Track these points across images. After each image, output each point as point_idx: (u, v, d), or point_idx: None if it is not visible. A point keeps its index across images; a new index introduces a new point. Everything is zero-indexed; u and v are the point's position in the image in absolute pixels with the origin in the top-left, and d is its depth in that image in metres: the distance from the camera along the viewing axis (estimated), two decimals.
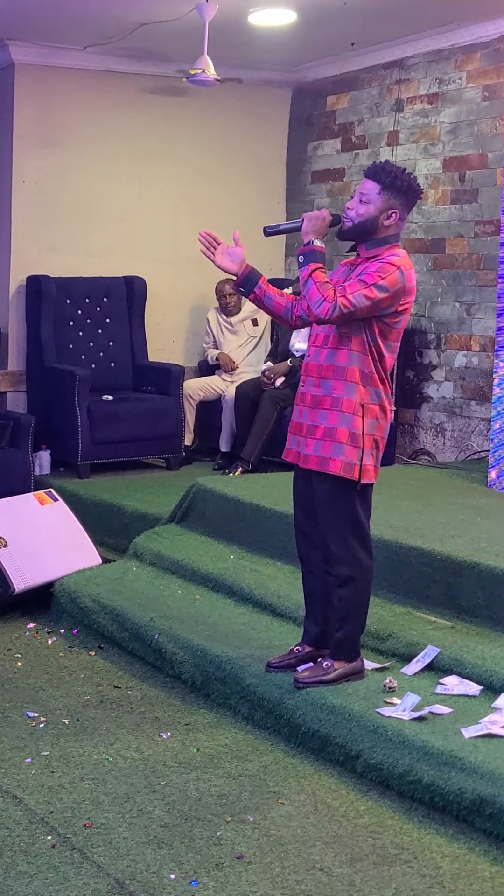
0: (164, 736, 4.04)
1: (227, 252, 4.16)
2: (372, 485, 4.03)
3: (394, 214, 3.93)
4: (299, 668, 4.16)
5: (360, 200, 3.93)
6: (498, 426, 6.20)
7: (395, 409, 7.67)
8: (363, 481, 3.94)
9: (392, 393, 4.06)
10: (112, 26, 7.24)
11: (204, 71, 6.96)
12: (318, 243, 3.94)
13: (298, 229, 4.03)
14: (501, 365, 6.16)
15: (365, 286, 3.82)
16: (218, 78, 7.05)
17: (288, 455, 4.12)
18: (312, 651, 4.21)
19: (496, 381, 6.20)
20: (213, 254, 4.14)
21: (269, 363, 7.67)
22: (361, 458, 3.91)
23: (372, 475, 3.97)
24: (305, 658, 4.21)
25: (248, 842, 3.30)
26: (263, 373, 7.60)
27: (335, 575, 4.03)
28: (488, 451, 6.64)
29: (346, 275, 3.97)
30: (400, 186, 3.92)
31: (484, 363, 7.35)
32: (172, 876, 3.09)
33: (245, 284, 4.15)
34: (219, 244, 4.15)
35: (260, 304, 4.17)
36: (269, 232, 4.19)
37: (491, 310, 7.16)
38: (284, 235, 8.88)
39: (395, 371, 7.61)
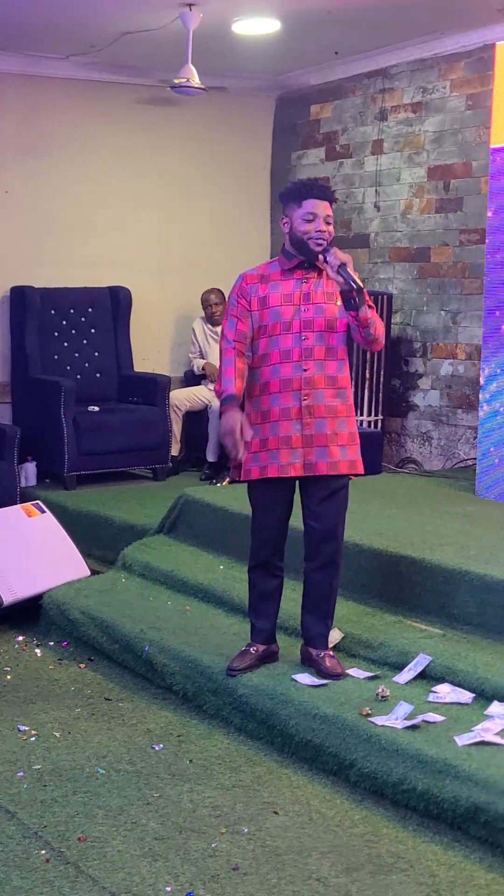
0: (157, 748, 4.01)
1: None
2: None
3: None
4: (327, 664, 4.22)
5: (327, 223, 4.10)
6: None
7: (381, 417, 7.75)
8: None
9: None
10: (95, 36, 7.24)
11: (188, 80, 6.97)
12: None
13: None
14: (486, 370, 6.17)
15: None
16: (202, 87, 7.05)
17: (293, 469, 4.16)
18: (266, 648, 4.34)
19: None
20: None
21: None
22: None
23: None
24: (263, 656, 4.32)
25: (244, 853, 3.28)
26: None
27: (338, 561, 4.26)
28: (475, 458, 6.64)
29: (297, 287, 4.14)
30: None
31: (470, 371, 7.36)
32: (168, 888, 3.07)
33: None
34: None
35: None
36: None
37: (476, 318, 7.17)
38: (269, 243, 8.95)
39: (380, 380, 7.68)
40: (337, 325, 4.14)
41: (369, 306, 4.06)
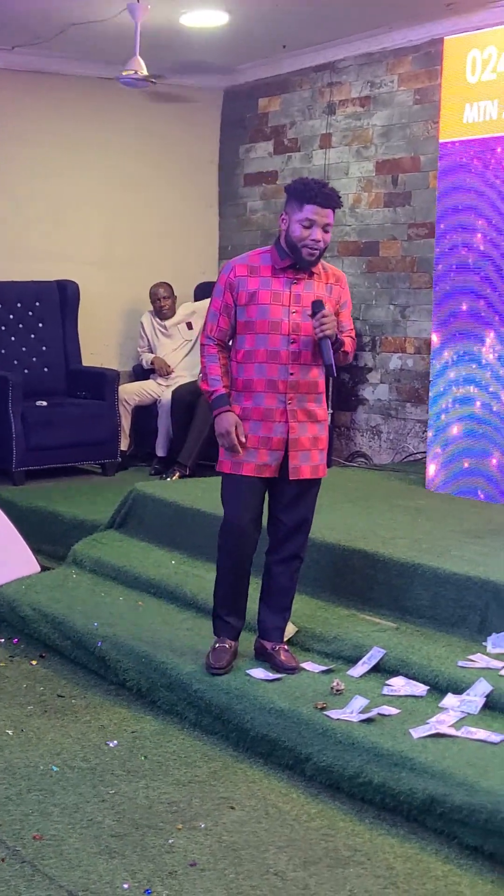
0: (111, 744, 3.98)
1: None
2: None
3: None
4: (281, 658, 4.21)
5: (326, 231, 4.01)
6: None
7: (330, 412, 7.76)
8: None
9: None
10: (41, 26, 7.17)
11: (136, 72, 6.93)
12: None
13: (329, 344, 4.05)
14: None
15: (351, 318, 4.23)
16: (150, 79, 7.01)
17: (268, 471, 4.12)
18: (237, 644, 4.31)
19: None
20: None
21: None
22: None
23: None
24: (236, 652, 4.30)
25: (201, 849, 3.27)
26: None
27: (298, 558, 4.30)
28: (424, 452, 6.68)
29: (288, 287, 4.06)
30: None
31: (419, 365, 7.39)
32: (126, 885, 3.04)
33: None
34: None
35: None
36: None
37: (425, 312, 7.21)
38: (217, 237, 8.95)
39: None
40: None
41: (345, 352, 4.10)
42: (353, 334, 4.18)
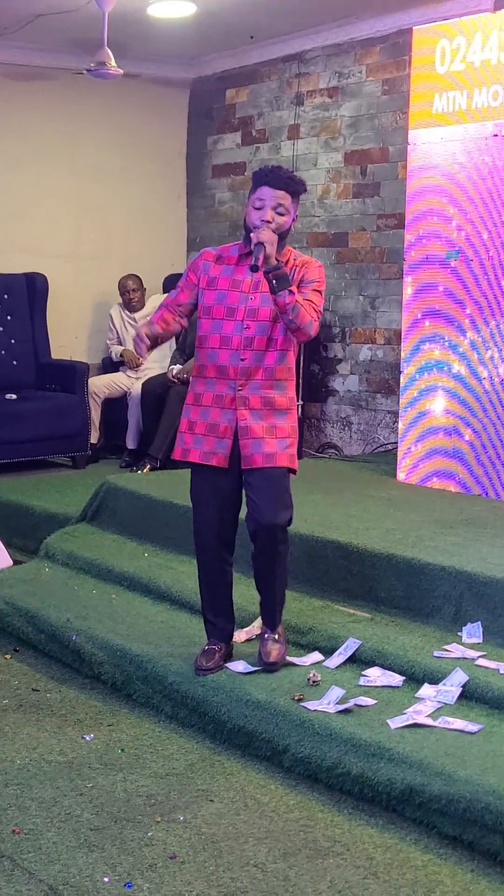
0: (88, 738, 3.97)
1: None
2: None
3: (295, 218, 4.13)
4: (266, 648, 4.16)
5: (279, 213, 3.99)
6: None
7: (301, 403, 7.76)
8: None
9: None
10: (7, 17, 7.12)
11: (104, 63, 6.88)
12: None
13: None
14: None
15: (319, 295, 4.04)
16: (119, 70, 6.97)
17: (216, 459, 4.05)
18: (228, 647, 4.25)
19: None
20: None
21: (179, 365, 7.36)
22: (298, 448, 4.22)
23: None
24: (227, 655, 4.22)
25: (181, 841, 3.26)
26: (174, 375, 7.34)
27: (279, 550, 4.12)
28: (395, 443, 6.69)
29: (249, 274, 4.04)
30: (301, 193, 4.11)
31: (389, 356, 7.40)
32: (106, 879, 3.03)
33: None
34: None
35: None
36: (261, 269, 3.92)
37: (395, 303, 7.22)
38: (185, 228, 8.93)
39: (300, 365, 7.69)
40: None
41: (290, 291, 3.90)
42: (315, 306, 3.98)
